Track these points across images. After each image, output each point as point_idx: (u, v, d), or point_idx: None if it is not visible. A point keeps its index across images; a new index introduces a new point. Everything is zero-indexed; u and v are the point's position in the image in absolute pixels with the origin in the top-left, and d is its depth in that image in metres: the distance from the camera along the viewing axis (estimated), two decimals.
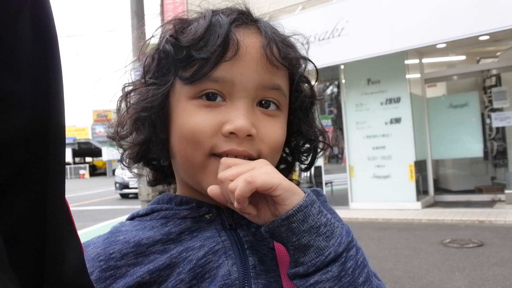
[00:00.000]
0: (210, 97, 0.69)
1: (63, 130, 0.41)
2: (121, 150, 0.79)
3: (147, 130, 0.73)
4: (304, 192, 0.65)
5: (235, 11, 0.71)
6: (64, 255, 0.42)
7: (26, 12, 0.37)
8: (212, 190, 0.66)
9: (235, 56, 0.67)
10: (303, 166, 0.85)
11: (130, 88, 0.77)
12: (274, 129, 0.71)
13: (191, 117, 0.68)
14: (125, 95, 0.76)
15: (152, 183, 0.85)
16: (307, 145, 0.83)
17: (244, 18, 0.71)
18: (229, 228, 0.72)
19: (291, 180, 0.84)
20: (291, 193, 0.63)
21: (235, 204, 0.62)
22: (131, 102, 0.75)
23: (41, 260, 0.39)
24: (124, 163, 0.80)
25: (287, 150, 0.83)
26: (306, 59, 0.77)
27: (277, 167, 0.82)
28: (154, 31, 0.77)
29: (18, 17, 0.36)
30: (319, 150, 0.84)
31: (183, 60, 0.68)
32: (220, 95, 0.69)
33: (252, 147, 0.68)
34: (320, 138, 0.83)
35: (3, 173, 0.36)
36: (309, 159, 0.84)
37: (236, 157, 0.67)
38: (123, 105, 0.77)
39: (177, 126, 0.70)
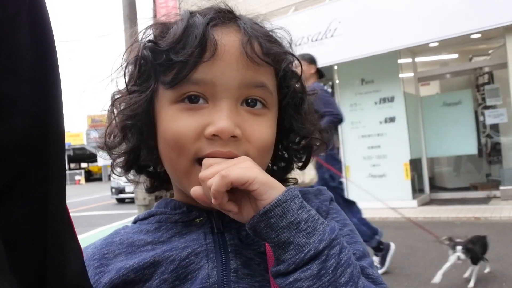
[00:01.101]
0: (193, 99, 0.67)
1: (62, 133, 0.41)
2: (110, 160, 0.78)
3: (134, 138, 0.73)
4: (287, 187, 0.63)
5: (212, 10, 0.70)
6: (66, 259, 0.42)
7: (23, 15, 0.37)
8: (195, 191, 0.64)
9: (213, 56, 0.65)
10: (299, 164, 0.83)
11: (117, 96, 0.76)
12: (261, 129, 0.69)
13: (173, 122, 0.67)
14: (112, 104, 0.75)
15: (149, 190, 0.84)
16: (302, 143, 0.80)
17: (221, 16, 0.69)
18: (216, 232, 0.71)
19: (287, 179, 0.84)
20: (269, 187, 0.61)
21: (212, 200, 0.61)
22: (116, 111, 0.74)
23: (43, 263, 0.39)
24: (115, 172, 0.79)
25: (281, 149, 0.81)
26: (289, 54, 0.74)
27: (274, 165, 0.82)
28: (135, 37, 0.76)
29: (15, 20, 0.36)
30: (314, 147, 0.82)
31: (163, 64, 0.67)
32: (202, 97, 0.67)
33: (239, 148, 0.67)
34: (316, 135, 0.81)
35: (3, 176, 0.36)
36: (305, 156, 0.82)
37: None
38: (113, 114, 0.76)
39: (161, 132, 0.70)
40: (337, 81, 9.79)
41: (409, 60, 9.69)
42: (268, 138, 0.71)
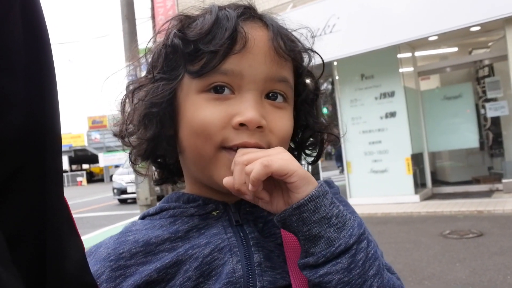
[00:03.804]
0: (218, 90, 0.69)
1: (58, 128, 0.41)
2: (128, 148, 0.78)
3: (154, 126, 0.72)
4: (318, 182, 0.65)
5: (241, 6, 0.72)
6: (66, 252, 0.42)
7: (16, 11, 0.37)
8: (228, 181, 0.65)
9: (243, 48, 0.67)
10: (309, 159, 0.85)
11: (136, 85, 0.76)
12: (283, 121, 0.72)
13: (201, 111, 0.68)
14: (131, 93, 0.76)
15: (158, 182, 0.85)
16: (312, 139, 0.83)
17: (250, 12, 0.72)
18: (235, 224, 0.72)
19: None
20: (306, 181, 0.63)
21: (250, 186, 0.62)
22: (138, 99, 0.74)
23: (43, 257, 0.39)
24: (132, 160, 0.79)
25: (292, 144, 0.83)
26: (312, 51, 0.78)
27: None
28: (160, 27, 0.77)
29: (8, 16, 0.36)
30: (325, 142, 0.84)
31: (190, 54, 0.69)
32: (228, 87, 0.69)
33: (263, 138, 0.69)
34: (330, 129, 0.84)
35: (2, 172, 0.36)
36: (317, 151, 0.84)
37: None
38: (127, 104, 0.77)
39: (186, 120, 0.71)
40: (337, 77, 9.79)
41: (409, 54, 9.68)
42: (289, 130, 0.73)
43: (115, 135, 0.79)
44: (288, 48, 0.71)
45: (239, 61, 0.68)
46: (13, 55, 0.37)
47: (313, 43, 0.79)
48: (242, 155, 0.65)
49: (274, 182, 0.65)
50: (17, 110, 0.36)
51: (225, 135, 0.67)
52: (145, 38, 0.79)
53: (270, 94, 0.72)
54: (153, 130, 0.72)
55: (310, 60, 0.79)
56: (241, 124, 0.67)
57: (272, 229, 0.72)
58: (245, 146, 0.67)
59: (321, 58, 0.81)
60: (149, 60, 0.75)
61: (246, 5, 0.73)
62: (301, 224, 0.62)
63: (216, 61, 0.67)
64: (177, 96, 0.72)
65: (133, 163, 0.80)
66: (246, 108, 0.67)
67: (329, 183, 0.83)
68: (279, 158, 0.63)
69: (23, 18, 0.38)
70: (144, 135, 0.73)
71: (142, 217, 0.80)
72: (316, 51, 0.79)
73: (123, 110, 0.78)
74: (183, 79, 0.71)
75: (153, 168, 0.83)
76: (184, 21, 0.73)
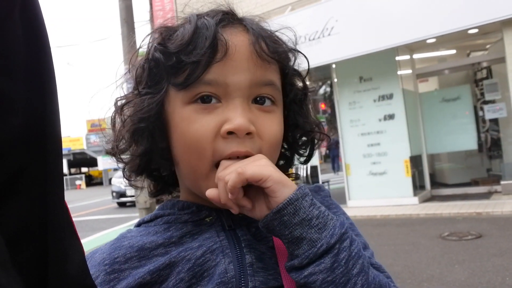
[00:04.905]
0: (205, 99, 0.69)
1: (59, 131, 0.41)
2: (121, 165, 0.79)
3: (145, 141, 0.72)
4: (297, 185, 0.66)
5: (219, 12, 0.72)
6: (67, 256, 0.42)
7: (16, 12, 0.37)
8: (210, 192, 0.67)
9: (225, 56, 0.67)
10: (302, 159, 0.86)
11: (124, 101, 0.76)
12: (272, 125, 0.71)
13: (192, 124, 0.68)
14: (119, 109, 0.76)
15: (154, 194, 0.85)
16: (304, 138, 0.83)
17: (229, 18, 0.71)
18: (228, 229, 0.73)
19: (288, 174, 0.85)
20: (282, 185, 0.63)
21: (229, 195, 0.64)
22: (126, 115, 0.75)
23: (44, 261, 0.39)
24: (126, 177, 0.80)
25: (285, 145, 0.83)
26: (296, 51, 0.77)
27: (276, 163, 0.83)
28: (141, 41, 0.77)
29: (8, 17, 0.36)
30: (316, 141, 0.84)
31: (173, 66, 0.68)
32: (214, 96, 0.69)
33: (253, 145, 0.69)
34: (316, 129, 0.83)
35: (3, 174, 0.36)
36: (308, 151, 0.85)
37: (238, 158, 0.68)
38: (117, 119, 0.77)
39: (177, 134, 0.71)
40: (335, 80, 9.80)
41: (407, 56, 9.69)
42: (278, 134, 0.73)
43: (108, 153, 0.79)
44: (271, 50, 0.70)
45: (222, 70, 0.67)
46: (13, 56, 0.37)
47: (295, 43, 0.78)
48: (223, 170, 0.66)
49: (256, 189, 0.66)
50: (18, 112, 0.37)
51: (215, 147, 0.68)
52: (143, 41, 0.78)
53: (258, 99, 0.71)
54: (144, 145, 0.72)
55: (295, 60, 0.78)
56: (230, 133, 0.67)
57: (264, 233, 0.73)
58: (235, 155, 0.67)
59: (305, 57, 0.80)
60: (134, 75, 0.75)
61: (224, 11, 0.73)
62: (283, 228, 0.63)
63: (199, 72, 0.66)
64: (165, 109, 0.72)
65: (127, 179, 0.80)
66: (234, 115, 0.67)
67: (318, 187, 0.86)
68: (254, 165, 0.64)
69: (23, 20, 0.38)
70: (136, 151, 0.74)
71: (138, 225, 0.80)
72: (300, 50, 0.79)
73: (113, 126, 0.78)
74: (169, 92, 0.71)
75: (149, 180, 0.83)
76: (165, 33, 0.72)
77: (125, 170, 0.79)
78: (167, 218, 0.76)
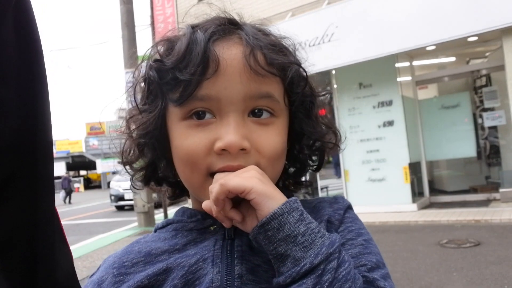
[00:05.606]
0: (200, 115, 0.69)
1: (50, 136, 0.41)
2: (129, 174, 0.82)
3: (150, 154, 0.77)
4: (287, 198, 0.63)
5: (213, 24, 0.70)
6: (56, 262, 0.42)
7: (9, 16, 0.37)
8: (206, 205, 0.67)
9: (216, 72, 0.66)
10: (313, 168, 0.85)
11: (128, 116, 0.79)
12: (269, 138, 0.70)
13: (184, 140, 0.69)
14: (127, 123, 0.79)
15: (171, 198, 0.87)
16: (315, 144, 0.81)
17: (222, 30, 0.69)
18: (228, 238, 0.72)
19: (301, 182, 0.85)
20: (266, 197, 0.61)
21: (214, 207, 0.64)
22: (132, 128, 0.78)
23: (33, 267, 0.39)
24: (135, 186, 0.84)
25: (296, 153, 0.82)
26: (295, 64, 0.73)
27: (286, 171, 0.84)
28: (143, 54, 0.77)
29: (1, 21, 0.36)
30: (327, 150, 0.83)
31: (169, 83, 0.68)
32: (208, 112, 0.68)
33: (248, 160, 0.68)
34: (328, 138, 0.81)
35: None
36: (318, 159, 0.83)
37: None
38: (125, 131, 0.80)
39: (175, 148, 0.72)
40: (335, 86, 9.82)
41: (407, 63, 9.72)
42: (277, 147, 0.71)
43: (119, 163, 0.82)
44: (268, 61, 0.68)
45: (214, 85, 0.66)
46: (5, 62, 0.37)
47: (294, 50, 0.76)
48: (215, 182, 0.65)
49: (247, 202, 0.63)
50: (9, 117, 0.36)
51: (209, 162, 0.68)
52: (145, 45, 0.79)
53: (255, 111, 0.70)
54: (148, 157, 0.77)
55: (300, 67, 0.74)
56: (224, 149, 0.66)
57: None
58: (228, 169, 0.67)
59: (305, 71, 0.75)
60: (133, 91, 0.77)
61: (219, 22, 0.71)
62: (268, 243, 0.61)
63: (191, 89, 0.66)
64: (166, 123, 0.74)
65: (137, 188, 0.85)
66: (227, 132, 0.66)
67: (336, 198, 0.80)
68: (238, 177, 0.62)
69: (16, 24, 0.38)
70: (141, 163, 0.79)
71: (154, 230, 0.83)
72: (301, 61, 0.76)
73: (123, 136, 0.81)
74: (169, 107, 0.72)
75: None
76: (166, 47, 0.72)
77: (132, 180, 0.82)
78: (175, 225, 0.78)
